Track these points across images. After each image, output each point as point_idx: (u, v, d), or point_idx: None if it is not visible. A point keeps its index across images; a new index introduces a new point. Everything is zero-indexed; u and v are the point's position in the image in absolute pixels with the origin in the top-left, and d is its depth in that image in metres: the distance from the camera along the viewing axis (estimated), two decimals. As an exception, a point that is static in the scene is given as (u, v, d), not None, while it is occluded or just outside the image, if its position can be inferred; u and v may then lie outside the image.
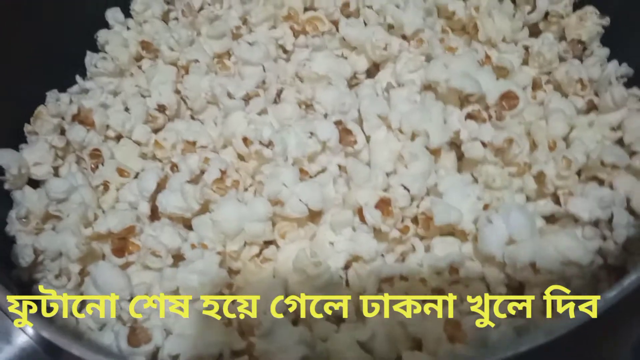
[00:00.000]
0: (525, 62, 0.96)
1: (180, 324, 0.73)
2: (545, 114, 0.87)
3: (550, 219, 0.80)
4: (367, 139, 0.86)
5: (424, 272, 0.75)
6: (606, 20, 0.94)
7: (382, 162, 0.83)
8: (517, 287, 0.75)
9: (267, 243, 0.83)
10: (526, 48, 0.96)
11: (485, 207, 0.77)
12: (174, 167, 0.88)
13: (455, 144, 0.86)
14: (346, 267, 0.78)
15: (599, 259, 0.72)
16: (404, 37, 0.98)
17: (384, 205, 0.77)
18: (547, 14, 0.97)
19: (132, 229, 0.82)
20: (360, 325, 0.73)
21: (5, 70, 0.94)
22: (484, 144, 0.81)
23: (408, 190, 0.77)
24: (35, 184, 0.92)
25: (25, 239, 0.84)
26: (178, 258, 0.81)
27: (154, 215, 0.86)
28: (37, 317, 0.62)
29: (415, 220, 0.80)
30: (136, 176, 0.91)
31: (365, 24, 1.01)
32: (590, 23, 0.93)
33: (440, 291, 0.73)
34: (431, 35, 0.95)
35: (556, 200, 0.79)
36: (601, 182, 0.79)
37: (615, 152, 0.79)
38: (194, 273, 0.75)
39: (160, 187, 0.86)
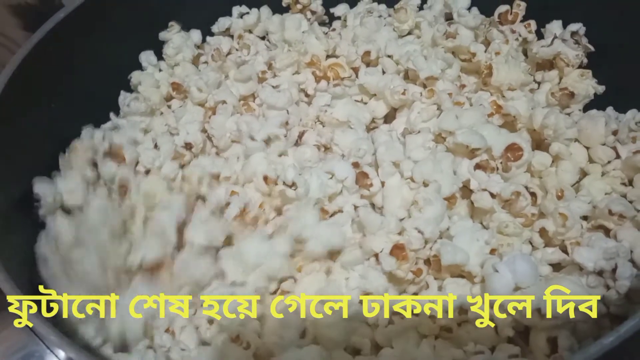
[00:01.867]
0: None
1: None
2: (556, 162, 0.91)
3: (556, 266, 0.82)
4: (382, 184, 0.90)
5: (434, 309, 0.77)
6: (601, 88, 0.97)
7: (395, 209, 0.87)
8: (523, 330, 0.77)
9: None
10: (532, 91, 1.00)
11: (492, 251, 0.80)
12: (202, 199, 0.93)
13: (468, 191, 0.90)
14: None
15: (602, 307, 0.75)
16: (419, 85, 1.03)
17: (398, 251, 0.80)
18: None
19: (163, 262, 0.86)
20: (374, 358, 0.76)
21: (47, 108, 1.01)
22: (492, 195, 0.84)
23: (422, 234, 0.81)
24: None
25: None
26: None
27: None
28: (69, 342, 0.66)
29: (428, 262, 0.84)
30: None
31: (384, 72, 1.06)
32: (588, 83, 0.96)
33: (448, 329, 0.76)
34: (444, 88, 1.00)
35: (564, 248, 0.82)
36: (607, 232, 0.82)
37: (623, 202, 0.82)
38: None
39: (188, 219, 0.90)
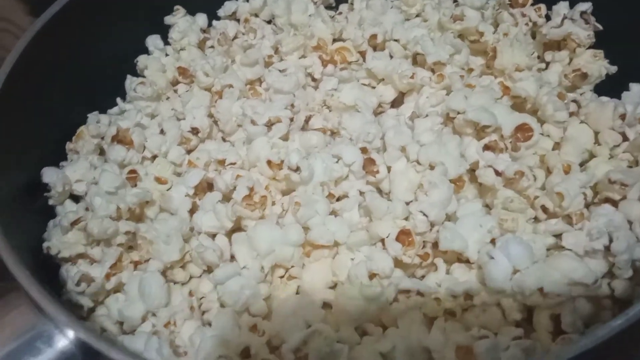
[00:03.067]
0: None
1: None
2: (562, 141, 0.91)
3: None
4: (388, 169, 0.90)
5: (440, 292, 0.78)
6: (614, 69, 0.97)
7: (402, 192, 0.86)
8: (529, 313, 0.77)
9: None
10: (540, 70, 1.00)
11: (492, 240, 0.80)
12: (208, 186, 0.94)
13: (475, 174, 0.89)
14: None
15: (606, 289, 0.75)
16: (427, 69, 1.02)
17: (404, 236, 0.80)
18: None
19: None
20: (381, 337, 0.76)
21: (53, 93, 1.01)
22: (497, 172, 0.84)
23: (427, 217, 0.80)
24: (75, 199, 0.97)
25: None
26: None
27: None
28: (78, 322, 0.66)
29: (435, 245, 0.84)
30: (169, 189, 0.96)
31: (391, 57, 1.06)
32: (601, 63, 0.96)
33: (452, 313, 0.76)
34: (453, 72, 1.00)
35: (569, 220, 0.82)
36: (615, 204, 0.81)
37: (622, 170, 0.82)
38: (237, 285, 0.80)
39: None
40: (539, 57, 1.03)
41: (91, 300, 0.84)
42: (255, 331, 0.76)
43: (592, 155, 0.90)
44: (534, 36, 1.05)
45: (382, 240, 0.82)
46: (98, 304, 0.86)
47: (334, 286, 0.83)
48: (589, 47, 0.99)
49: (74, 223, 0.87)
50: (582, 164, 0.89)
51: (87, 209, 0.90)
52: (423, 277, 0.83)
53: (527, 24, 1.03)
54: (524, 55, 0.98)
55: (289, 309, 0.79)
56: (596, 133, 0.91)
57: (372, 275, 0.79)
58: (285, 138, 0.96)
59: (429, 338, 0.74)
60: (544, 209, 0.83)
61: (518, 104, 0.94)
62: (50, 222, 0.93)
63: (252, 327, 0.77)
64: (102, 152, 1.03)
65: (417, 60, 1.05)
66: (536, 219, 0.85)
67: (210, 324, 0.81)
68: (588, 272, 0.71)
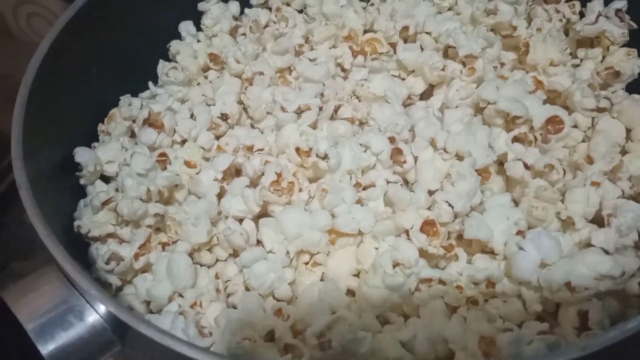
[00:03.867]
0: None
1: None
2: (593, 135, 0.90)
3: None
4: (415, 159, 0.90)
5: (462, 280, 0.78)
6: None
7: (427, 181, 0.87)
8: (552, 307, 0.77)
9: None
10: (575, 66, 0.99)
11: (519, 232, 0.79)
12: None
13: (503, 167, 0.89)
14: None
15: (636, 288, 0.74)
16: (459, 62, 1.02)
17: (428, 227, 0.81)
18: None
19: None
20: (402, 326, 0.77)
21: (86, 76, 1.03)
22: (526, 166, 0.84)
23: (452, 207, 0.81)
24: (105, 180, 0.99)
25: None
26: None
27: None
28: (110, 296, 0.68)
29: (460, 237, 0.84)
30: (198, 173, 0.97)
31: (422, 49, 1.06)
32: (634, 62, 0.95)
33: (474, 302, 0.77)
34: (487, 63, 1.00)
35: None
36: None
37: None
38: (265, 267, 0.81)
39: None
40: (571, 54, 1.02)
41: (119, 279, 0.86)
42: (280, 315, 0.77)
43: (624, 151, 0.89)
44: (566, 33, 1.04)
45: (407, 232, 0.82)
46: (126, 283, 0.88)
47: (357, 274, 0.84)
48: (623, 46, 0.98)
49: (104, 203, 0.89)
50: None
51: (117, 190, 0.91)
52: (444, 268, 0.84)
53: (560, 20, 1.02)
54: (556, 51, 0.98)
55: (315, 294, 0.80)
56: (629, 131, 0.90)
57: (395, 265, 0.79)
58: (314, 126, 0.97)
59: (449, 328, 0.75)
60: (569, 220, 0.82)
61: (552, 99, 0.93)
62: (80, 201, 0.95)
63: (277, 311, 0.78)
64: (133, 134, 1.05)
65: (448, 53, 1.05)
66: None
67: (235, 307, 0.82)
68: (615, 265, 0.71)
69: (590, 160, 0.86)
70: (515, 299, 0.77)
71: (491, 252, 0.81)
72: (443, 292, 0.78)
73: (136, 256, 0.85)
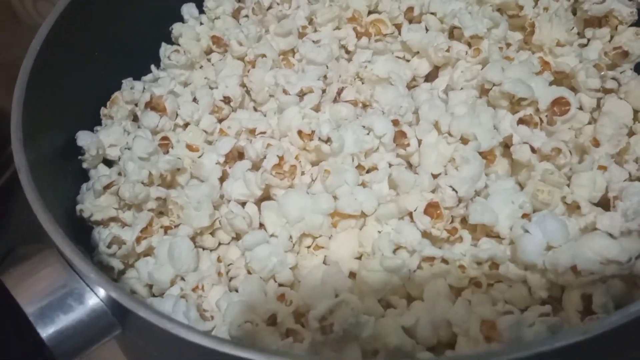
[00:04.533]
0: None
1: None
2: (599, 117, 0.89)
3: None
4: (419, 142, 0.89)
5: (465, 259, 0.77)
6: None
7: (430, 165, 0.86)
8: (558, 292, 0.76)
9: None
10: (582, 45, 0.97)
11: (524, 216, 0.78)
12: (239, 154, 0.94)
13: (508, 149, 0.88)
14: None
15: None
16: (463, 43, 1.01)
17: (432, 209, 0.80)
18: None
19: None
20: (405, 310, 0.76)
21: (89, 59, 1.02)
22: (532, 149, 0.83)
23: (456, 192, 0.80)
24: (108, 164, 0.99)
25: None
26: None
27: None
28: (109, 280, 0.68)
29: (464, 221, 0.83)
30: (201, 156, 0.96)
31: (427, 30, 1.04)
32: (644, 41, 0.93)
33: (478, 284, 0.76)
34: (493, 43, 0.98)
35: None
36: None
37: None
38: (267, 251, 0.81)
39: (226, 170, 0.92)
40: (578, 33, 1.00)
41: (121, 262, 0.86)
42: (283, 300, 0.77)
43: (631, 133, 0.88)
44: (574, 12, 1.02)
45: (410, 214, 0.81)
46: (128, 266, 0.88)
47: (360, 257, 0.83)
48: (631, 25, 0.96)
49: (106, 187, 0.88)
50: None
51: (119, 174, 0.91)
52: (448, 250, 0.83)
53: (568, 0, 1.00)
54: (563, 31, 0.96)
55: (317, 277, 0.79)
56: (636, 112, 0.89)
57: (397, 248, 0.79)
58: (316, 109, 0.96)
59: (453, 311, 0.74)
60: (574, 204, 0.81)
61: (559, 81, 0.92)
62: (83, 185, 0.95)
63: (280, 296, 0.77)
64: (135, 118, 1.04)
65: (453, 34, 1.03)
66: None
67: (237, 291, 0.82)
68: (622, 251, 0.69)
69: (596, 143, 0.84)
70: (520, 284, 0.76)
71: (497, 237, 0.80)
72: (445, 271, 0.77)
73: (138, 240, 0.85)
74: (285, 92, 0.95)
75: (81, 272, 0.68)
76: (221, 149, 0.92)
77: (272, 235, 0.83)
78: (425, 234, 0.80)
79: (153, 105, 1.00)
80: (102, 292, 0.68)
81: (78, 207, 0.89)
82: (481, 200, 0.80)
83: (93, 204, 0.89)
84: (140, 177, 0.88)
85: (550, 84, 0.89)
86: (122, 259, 0.85)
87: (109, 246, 0.83)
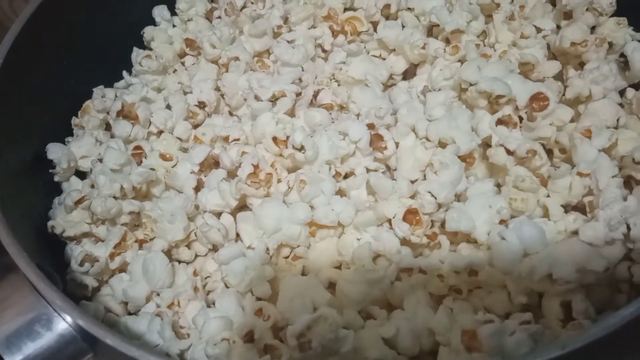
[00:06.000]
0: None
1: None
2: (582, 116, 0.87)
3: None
4: (397, 145, 0.87)
5: (443, 268, 0.75)
6: (639, 36, 0.92)
7: (407, 170, 0.84)
8: (536, 299, 0.75)
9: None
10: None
11: (502, 222, 0.77)
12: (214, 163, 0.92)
13: (489, 148, 0.86)
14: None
15: (625, 272, 0.72)
16: (441, 40, 0.98)
17: (411, 215, 0.78)
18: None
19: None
20: (385, 321, 0.74)
21: (58, 65, 1.00)
22: (508, 151, 0.81)
23: (435, 198, 0.78)
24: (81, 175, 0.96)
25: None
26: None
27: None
28: (75, 306, 0.66)
29: (443, 225, 0.81)
30: (175, 165, 0.94)
31: (403, 27, 1.01)
32: (625, 31, 0.91)
33: (458, 291, 0.75)
34: (469, 40, 0.96)
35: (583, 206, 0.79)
36: (638, 182, 0.77)
37: None
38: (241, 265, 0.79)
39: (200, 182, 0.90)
40: (558, 26, 0.97)
41: (96, 279, 0.84)
42: (260, 314, 0.75)
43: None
44: (553, 3, 1.00)
45: (389, 221, 0.79)
46: (103, 283, 0.86)
47: (339, 266, 0.81)
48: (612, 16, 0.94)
49: (77, 202, 0.86)
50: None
51: (92, 187, 0.88)
52: (427, 257, 0.81)
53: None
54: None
55: (295, 290, 0.77)
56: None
57: (377, 256, 0.77)
58: (291, 114, 0.93)
59: (434, 320, 0.72)
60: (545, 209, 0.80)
61: (524, 73, 0.89)
62: (55, 199, 0.93)
63: (258, 311, 0.75)
64: (108, 127, 1.01)
65: (432, 32, 1.01)
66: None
67: (214, 304, 0.80)
68: (599, 260, 0.68)
69: (588, 134, 0.81)
70: (500, 290, 0.74)
71: (475, 242, 0.78)
72: (424, 282, 0.76)
73: (112, 256, 0.83)
74: (257, 97, 0.92)
75: (47, 298, 0.66)
76: (195, 158, 0.90)
77: (248, 247, 0.81)
78: (405, 241, 0.78)
79: (125, 114, 0.98)
80: (70, 318, 0.66)
81: (49, 223, 0.87)
82: (458, 206, 0.79)
83: (65, 220, 0.87)
84: (112, 190, 0.85)
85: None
86: (95, 277, 0.83)
87: (81, 264, 0.81)
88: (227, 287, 0.80)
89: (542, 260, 0.69)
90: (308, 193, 0.81)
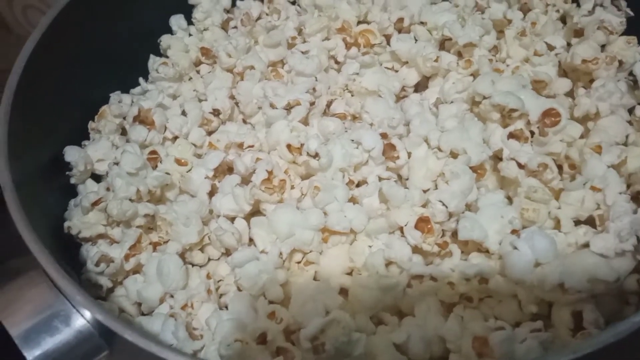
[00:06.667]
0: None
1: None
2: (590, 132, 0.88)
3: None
4: (409, 155, 0.88)
5: (453, 276, 0.77)
6: None
7: (419, 180, 0.85)
8: (546, 309, 0.76)
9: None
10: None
11: (514, 232, 0.78)
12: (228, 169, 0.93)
13: (499, 161, 0.87)
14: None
15: (633, 284, 0.73)
16: (454, 54, 1.00)
17: (423, 224, 0.79)
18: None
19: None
20: (396, 327, 0.75)
21: (77, 71, 1.01)
22: (519, 165, 0.82)
23: (446, 207, 0.79)
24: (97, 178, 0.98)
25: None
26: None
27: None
28: (94, 302, 0.67)
29: (455, 234, 0.82)
30: (190, 170, 0.96)
31: (416, 40, 1.03)
32: (635, 49, 0.93)
33: (469, 299, 0.76)
34: (482, 55, 0.98)
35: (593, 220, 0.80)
36: None
37: None
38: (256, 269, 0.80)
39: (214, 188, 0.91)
40: (569, 43, 0.99)
41: (110, 280, 0.85)
42: (273, 317, 0.76)
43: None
44: (564, 21, 1.02)
45: (401, 229, 0.81)
46: (117, 284, 0.87)
47: (350, 272, 0.82)
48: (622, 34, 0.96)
49: (94, 204, 0.88)
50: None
51: (108, 189, 0.90)
52: (438, 265, 0.82)
53: (557, 11, 1.01)
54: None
55: (308, 294, 0.78)
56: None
57: (389, 264, 0.78)
58: (304, 122, 0.95)
59: (445, 327, 0.73)
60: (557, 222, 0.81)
61: (537, 90, 0.91)
62: (71, 201, 0.94)
63: (270, 314, 0.76)
64: (124, 132, 1.03)
65: (444, 45, 1.03)
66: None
67: (227, 308, 0.81)
68: (610, 270, 0.69)
69: (599, 150, 0.83)
70: (510, 299, 0.76)
71: (487, 252, 0.80)
72: (435, 289, 0.77)
73: (127, 257, 0.84)
74: (272, 105, 0.94)
75: (67, 294, 0.67)
76: (210, 164, 0.91)
77: (262, 252, 0.82)
78: (416, 249, 0.79)
79: (141, 119, 0.99)
80: (88, 313, 0.67)
81: (66, 224, 0.88)
82: (470, 215, 0.80)
83: (81, 221, 0.89)
84: (128, 193, 0.87)
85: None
86: (110, 277, 0.85)
87: (97, 264, 0.82)
88: (240, 290, 0.82)
89: (554, 269, 0.70)
90: (322, 199, 0.82)
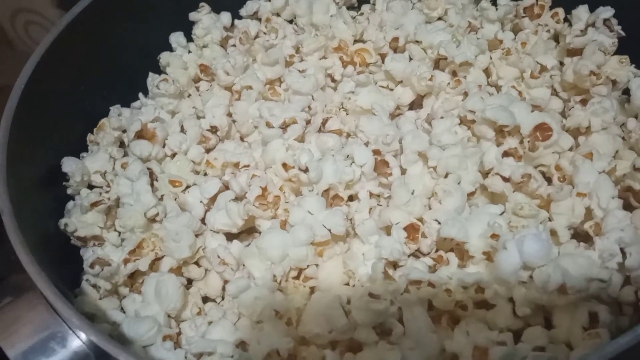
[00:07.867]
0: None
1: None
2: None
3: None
4: (403, 171, 0.90)
5: (451, 283, 0.77)
6: None
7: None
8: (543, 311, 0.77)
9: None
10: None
11: (494, 236, 0.78)
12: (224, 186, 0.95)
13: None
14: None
15: (631, 294, 0.74)
16: (448, 73, 1.02)
17: (412, 229, 0.81)
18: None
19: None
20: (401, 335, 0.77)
21: (78, 85, 1.04)
22: (504, 179, 0.84)
23: (440, 224, 0.81)
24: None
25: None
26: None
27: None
28: (90, 324, 0.68)
29: (451, 250, 0.84)
30: (186, 189, 0.97)
31: (410, 59, 1.05)
32: (628, 69, 0.95)
33: (463, 307, 0.77)
34: (476, 76, 1.00)
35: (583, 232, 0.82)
36: (635, 194, 0.80)
37: None
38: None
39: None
40: (561, 62, 1.01)
41: (109, 282, 0.86)
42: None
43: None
44: (557, 39, 1.04)
45: (387, 228, 0.83)
46: (117, 286, 0.88)
47: (347, 283, 0.84)
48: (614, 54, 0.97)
49: (94, 204, 0.90)
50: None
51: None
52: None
53: (548, 32, 1.03)
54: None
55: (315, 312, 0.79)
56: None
57: (390, 264, 0.80)
58: (301, 140, 0.96)
59: (455, 342, 0.74)
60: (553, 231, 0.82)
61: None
62: (69, 202, 0.96)
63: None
64: (122, 144, 1.05)
65: (439, 64, 1.04)
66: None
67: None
68: (602, 270, 0.72)
69: (589, 156, 0.85)
70: (504, 302, 0.76)
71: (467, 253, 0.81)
72: (432, 295, 0.77)
73: (125, 261, 0.86)
74: (268, 124, 0.95)
75: (63, 316, 0.68)
76: (206, 192, 0.92)
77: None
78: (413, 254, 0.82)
79: (143, 134, 1.00)
80: (84, 335, 0.68)
81: (62, 220, 0.90)
82: (457, 217, 0.82)
83: (78, 220, 0.90)
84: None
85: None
86: (107, 280, 0.86)
87: (91, 266, 0.84)
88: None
89: (555, 270, 0.71)
90: (295, 218, 0.83)
